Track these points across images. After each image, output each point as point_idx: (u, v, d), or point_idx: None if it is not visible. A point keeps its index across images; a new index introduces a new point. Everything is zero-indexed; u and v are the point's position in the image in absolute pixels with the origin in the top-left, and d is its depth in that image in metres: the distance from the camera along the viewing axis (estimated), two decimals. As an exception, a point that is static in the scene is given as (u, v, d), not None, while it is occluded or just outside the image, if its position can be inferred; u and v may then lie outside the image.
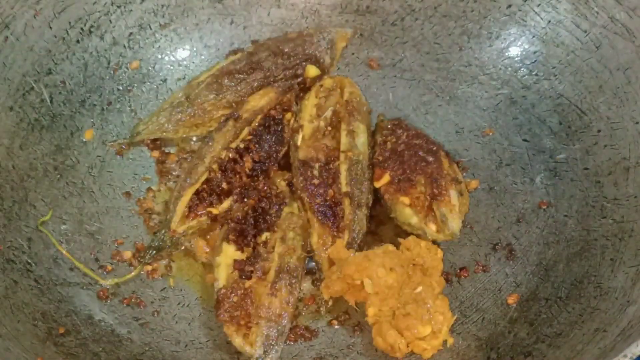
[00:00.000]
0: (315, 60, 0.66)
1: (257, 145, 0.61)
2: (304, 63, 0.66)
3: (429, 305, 0.53)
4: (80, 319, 0.55)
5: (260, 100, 0.64)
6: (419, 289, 0.54)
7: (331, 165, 0.61)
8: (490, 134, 0.66)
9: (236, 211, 0.59)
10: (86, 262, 0.59)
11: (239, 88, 0.64)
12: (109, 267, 0.59)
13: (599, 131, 0.60)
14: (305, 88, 0.66)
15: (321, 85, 0.66)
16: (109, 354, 0.53)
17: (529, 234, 0.60)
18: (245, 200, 0.60)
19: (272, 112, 0.62)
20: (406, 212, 0.59)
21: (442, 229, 0.58)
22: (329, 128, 0.64)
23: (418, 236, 0.58)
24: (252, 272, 0.56)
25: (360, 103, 0.64)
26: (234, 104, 0.64)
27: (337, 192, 0.60)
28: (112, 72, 0.66)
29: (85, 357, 0.52)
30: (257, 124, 0.62)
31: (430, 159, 0.61)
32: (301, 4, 0.70)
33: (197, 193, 0.59)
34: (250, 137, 0.61)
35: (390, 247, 0.57)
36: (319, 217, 0.59)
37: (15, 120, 0.60)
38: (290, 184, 0.62)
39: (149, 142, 0.65)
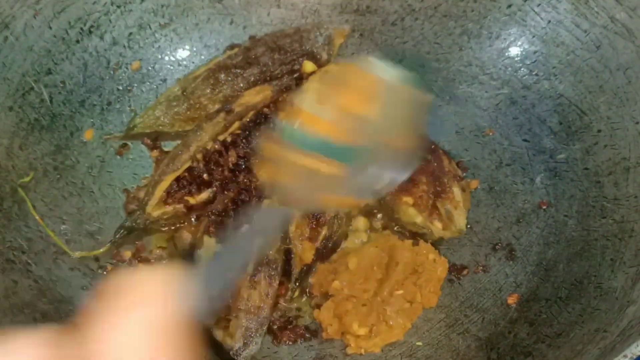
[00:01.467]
0: (312, 57, 0.66)
1: (244, 141, 0.60)
2: (300, 59, 0.65)
3: (387, 312, 0.53)
4: (80, 319, 0.55)
5: (256, 97, 0.63)
6: (400, 291, 0.55)
7: None
8: (491, 134, 0.66)
9: (216, 204, 0.58)
10: (87, 262, 0.58)
11: (235, 83, 0.64)
12: (109, 267, 0.58)
13: (599, 131, 0.60)
14: (302, 84, 0.65)
15: (326, 72, 0.65)
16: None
17: (529, 234, 0.60)
18: (226, 192, 0.59)
19: (266, 109, 0.62)
20: (410, 211, 0.58)
21: (449, 225, 0.58)
22: None
23: (423, 235, 0.58)
24: None
25: None
26: (230, 99, 0.63)
27: None
28: (112, 72, 0.66)
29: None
30: (248, 120, 0.61)
31: (430, 157, 0.60)
32: (301, 3, 0.69)
33: (178, 180, 0.59)
34: (239, 132, 0.60)
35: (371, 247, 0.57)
36: None
37: (15, 120, 0.59)
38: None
39: (148, 141, 0.65)
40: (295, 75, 0.65)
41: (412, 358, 0.55)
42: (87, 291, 0.57)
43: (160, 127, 0.63)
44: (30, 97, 0.61)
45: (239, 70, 0.64)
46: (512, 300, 0.57)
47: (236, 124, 0.61)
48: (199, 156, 0.59)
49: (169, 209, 0.58)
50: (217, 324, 0.53)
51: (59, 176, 0.61)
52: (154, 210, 0.58)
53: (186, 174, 0.59)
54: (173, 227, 0.60)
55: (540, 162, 0.63)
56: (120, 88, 0.67)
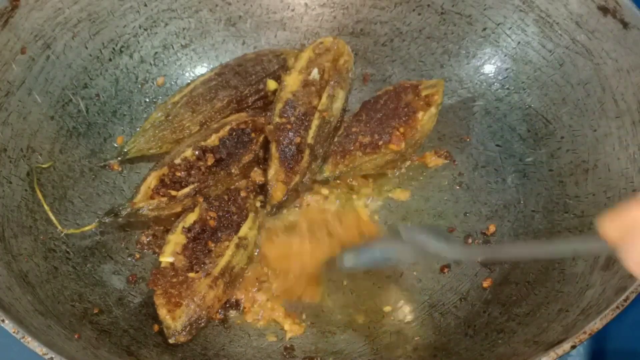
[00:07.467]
0: (274, 77, 0.66)
1: (222, 150, 0.61)
2: (264, 79, 0.66)
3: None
4: (112, 300, 0.56)
5: (230, 117, 0.63)
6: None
7: (307, 118, 0.62)
8: (468, 139, 0.67)
9: (203, 214, 0.58)
10: (117, 251, 0.60)
11: (212, 104, 0.64)
12: (137, 256, 0.60)
13: (562, 138, 0.61)
14: (268, 102, 0.66)
15: (321, 43, 0.66)
16: (137, 330, 0.54)
17: (501, 227, 0.62)
18: (213, 202, 0.59)
19: (242, 125, 0.62)
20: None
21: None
22: (316, 87, 0.63)
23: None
24: (198, 268, 0.55)
25: (349, 71, 0.65)
26: (208, 119, 0.64)
27: (303, 142, 0.61)
28: (139, 86, 0.67)
29: (116, 333, 0.53)
30: (226, 132, 0.61)
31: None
32: (304, 27, 0.71)
33: (162, 180, 0.59)
34: (218, 144, 0.61)
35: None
36: (281, 156, 0.60)
37: (55, 128, 0.61)
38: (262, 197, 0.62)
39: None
40: (261, 94, 0.66)
41: (400, 334, 0.56)
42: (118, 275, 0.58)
43: (150, 151, 0.63)
44: (69, 108, 0.62)
45: (212, 94, 0.64)
46: (486, 284, 0.58)
47: (214, 137, 0.61)
48: (178, 160, 0.60)
49: (153, 201, 0.58)
50: (166, 304, 0.53)
51: (94, 176, 0.63)
52: (139, 201, 0.58)
53: (169, 173, 0.59)
54: (156, 214, 0.59)
55: (511, 165, 0.64)
56: (147, 100, 0.68)
